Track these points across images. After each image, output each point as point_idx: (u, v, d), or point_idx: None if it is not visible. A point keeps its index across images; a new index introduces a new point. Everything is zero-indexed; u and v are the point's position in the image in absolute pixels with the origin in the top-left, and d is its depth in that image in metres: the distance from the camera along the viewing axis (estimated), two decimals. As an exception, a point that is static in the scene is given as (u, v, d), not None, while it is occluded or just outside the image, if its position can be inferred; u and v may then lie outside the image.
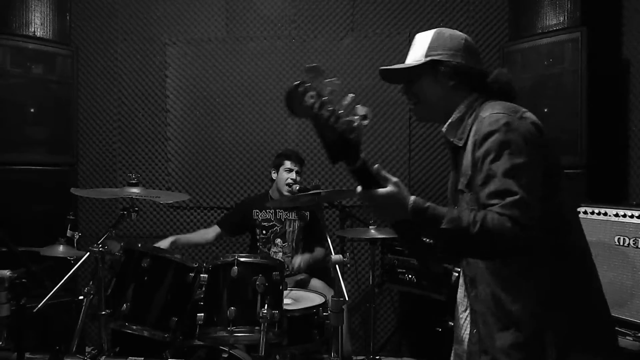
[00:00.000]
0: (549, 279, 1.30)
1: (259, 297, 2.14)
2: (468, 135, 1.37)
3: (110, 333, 2.24)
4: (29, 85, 3.20)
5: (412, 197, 1.22)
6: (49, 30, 3.31)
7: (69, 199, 3.16)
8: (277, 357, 2.39)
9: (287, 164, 3.11)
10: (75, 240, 2.78)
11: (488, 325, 1.40)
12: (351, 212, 3.37)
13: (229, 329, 2.09)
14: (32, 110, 3.23)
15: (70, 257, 2.62)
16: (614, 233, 2.33)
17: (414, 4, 3.63)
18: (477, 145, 1.29)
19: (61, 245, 2.64)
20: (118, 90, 3.81)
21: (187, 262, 2.38)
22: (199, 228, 3.74)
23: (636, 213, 2.27)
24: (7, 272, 1.67)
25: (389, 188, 1.20)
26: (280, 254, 3.12)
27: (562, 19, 2.89)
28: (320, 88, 1.05)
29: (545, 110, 2.90)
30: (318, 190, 2.39)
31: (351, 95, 1.10)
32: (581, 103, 2.76)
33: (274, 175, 3.18)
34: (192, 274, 2.34)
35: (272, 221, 3.18)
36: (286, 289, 2.52)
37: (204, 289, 2.28)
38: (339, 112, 1.09)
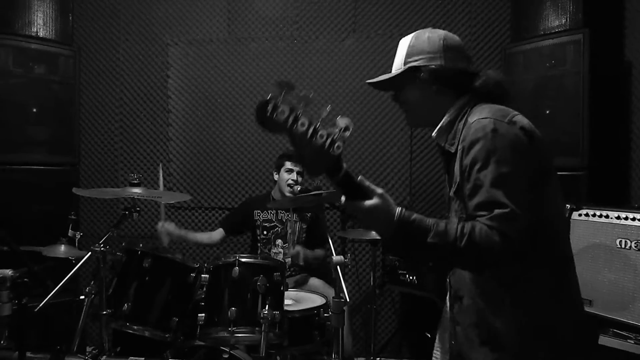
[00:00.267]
0: (531, 293, 1.28)
1: (259, 298, 2.14)
2: (459, 141, 1.33)
3: (111, 333, 2.24)
4: (31, 86, 3.20)
5: (399, 209, 1.19)
6: (52, 31, 3.31)
7: (70, 199, 3.17)
8: (278, 357, 2.39)
9: (288, 164, 3.11)
10: (76, 240, 2.78)
11: (469, 339, 1.37)
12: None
13: (229, 329, 2.09)
14: (34, 110, 3.23)
15: (72, 257, 2.62)
16: (616, 235, 2.32)
17: (416, 5, 3.63)
18: (465, 152, 1.26)
19: (62, 245, 2.64)
20: (120, 91, 3.81)
21: (188, 262, 2.38)
22: (200, 228, 3.75)
23: (638, 216, 2.26)
24: (9, 272, 1.68)
25: (374, 200, 1.17)
26: (281, 254, 3.12)
27: (564, 20, 2.89)
28: (292, 103, 1.01)
29: (547, 112, 2.89)
30: (319, 192, 2.39)
31: (329, 107, 1.07)
32: (583, 105, 2.75)
33: (275, 177, 3.18)
34: (193, 275, 2.34)
35: (274, 222, 3.18)
36: (287, 290, 2.52)
37: (205, 289, 2.28)
38: (316, 125, 1.05)
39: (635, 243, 2.26)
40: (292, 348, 2.36)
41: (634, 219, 2.27)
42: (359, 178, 1.18)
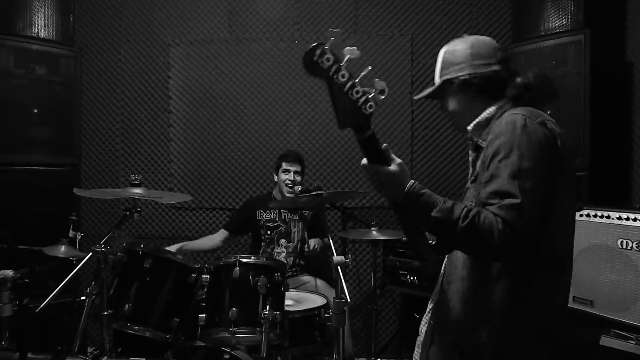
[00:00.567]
0: (518, 291, 1.29)
1: (260, 298, 2.14)
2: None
3: (112, 333, 2.24)
4: (32, 86, 3.21)
5: (411, 181, 1.22)
6: (53, 32, 3.32)
7: (71, 200, 3.17)
8: (279, 358, 2.39)
9: (284, 165, 3.12)
10: (77, 240, 2.78)
11: (449, 319, 1.41)
12: (353, 213, 3.37)
13: (230, 330, 2.09)
14: (35, 111, 3.24)
15: (73, 257, 2.62)
16: (617, 236, 2.32)
17: (417, 5, 3.63)
18: (490, 142, 1.28)
19: (63, 246, 2.64)
20: (121, 91, 3.82)
21: (189, 262, 2.38)
22: (201, 229, 3.75)
23: (639, 216, 2.26)
24: (10, 272, 1.68)
25: (392, 167, 1.21)
26: (284, 254, 3.13)
27: (565, 21, 2.88)
28: (338, 53, 1.06)
29: (548, 112, 2.88)
30: (320, 192, 2.39)
31: (369, 68, 1.12)
32: (584, 105, 2.75)
33: (275, 178, 3.19)
34: (194, 275, 2.34)
35: (277, 221, 3.18)
36: (288, 290, 2.52)
37: (205, 289, 2.28)
38: (355, 80, 1.10)
39: (636, 243, 2.25)
40: (293, 348, 2.36)
41: (635, 220, 2.27)
42: (384, 145, 1.21)
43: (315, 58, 1.07)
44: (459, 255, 1.42)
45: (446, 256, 1.52)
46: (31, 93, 3.21)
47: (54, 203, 3.24)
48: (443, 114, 1.55)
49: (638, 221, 2.26)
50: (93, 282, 2.20)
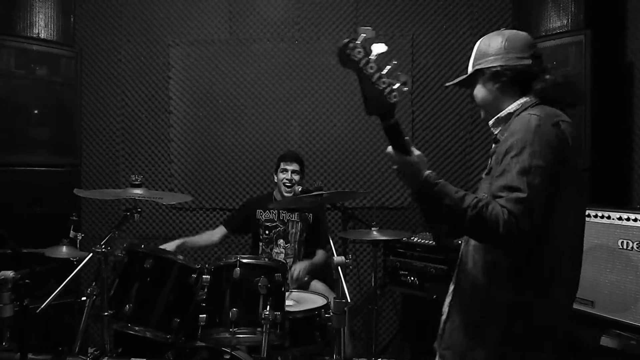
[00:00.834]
0: (520, 288, 1.36)
1: (261, 299, 2.14)
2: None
3: (112, 334, 2.24)
4: (32, 87, 3.21)
5: (428, 172, 1.32)
6: (53, 32, 3.32)
7: (72, 200, 3.17)
8: (279, 358, 2.40)
9: (282, 164, 3.13)
10: (78, 241, 2.78)
11: (464, 302, 1.50)
12: (353, 213, 3.37)
13: (231, 330, 2.09)
14: (35, 111, 3.24)
15: (73, 258, 2.62)
16: (618, 236, 2.32)
17: (417, 6, 3.63)
18: (505, 139, 1.36)
19: (64, 246, 2.64)
20: (121, 92, 3.82)
21: (190, 263, 2.38)
22: (201, 229, 3.75)
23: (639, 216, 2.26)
24: (10, 273, 1.68)
25: (413, 157, 1.31)
26: (282, 254, 3.13)
27: (565, 21, 2.88)
28: (368, 48, 1.19)
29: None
30: (320, 192, 2.39)
31: (395, 62, 1.23)
32: (585, 106, 2.74)
33: (275, 179, 3.20)
34: (194, 275, 2.34)
35: (275, 222, 3.19)
36: (288, 291, 2.52)
37: (206, 290, 2.28)
38: (382, 72, 1.22)
39: (637, 244, 2.25)
40: (294, 349, 2.36)
41: (635, 220, 2.27)
42: (407, 137, 1.33)
43: (347, 51, 1.20)
44: (469, 249, 1.49)
45: (462, 243, 1.59)
46: (32, 94, 3.21)
47: (54, 204, 3.24)
48: (473, 103, 1.63)
49: (638, 221, 2.26)
50: (94, 283, 2.21)
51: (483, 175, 1.52)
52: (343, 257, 2.06)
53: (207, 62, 3.74)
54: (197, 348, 2.35)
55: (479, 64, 1.53)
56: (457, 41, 3.57)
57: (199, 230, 3.75)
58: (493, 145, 1.54)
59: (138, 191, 2.32)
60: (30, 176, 3.20)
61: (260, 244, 3.17)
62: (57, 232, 2.73)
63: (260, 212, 3.19)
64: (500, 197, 1.26)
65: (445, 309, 1.60)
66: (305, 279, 3.08)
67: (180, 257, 2.41)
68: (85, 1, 3.76)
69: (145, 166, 3.82)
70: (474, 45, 1.59)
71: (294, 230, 3.19)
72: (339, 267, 2.03)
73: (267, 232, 3.17)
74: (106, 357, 2.13)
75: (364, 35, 1.21)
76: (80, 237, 2.80)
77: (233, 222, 3.29)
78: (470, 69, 1.58)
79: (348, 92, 3.67)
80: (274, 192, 3.25)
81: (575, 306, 2.40)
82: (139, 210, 2.32)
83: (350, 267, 3.08)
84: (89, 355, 2.12)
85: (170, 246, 2.85)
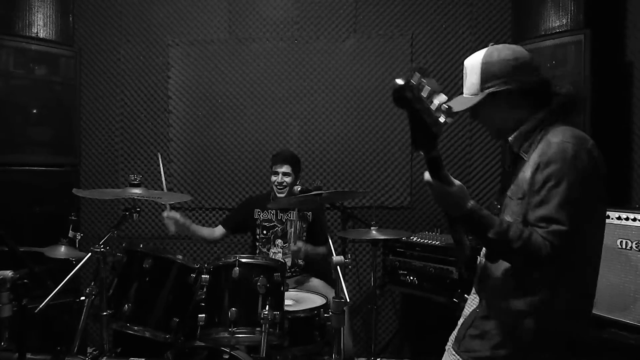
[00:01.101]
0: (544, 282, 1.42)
1: (260, 298, 2.15)
2: (537, 154, 1.42)
3: (111, 334, 2.25)
4: (32, 87, 3.20)
5: (473, 202, 1.34)
6: (52, 32, 3.32)
7: (71, 200, 3.17)
8: (278, 358, 2.40)
9: (273, 167, 3.12)
10: (77, 241, 2.78)
11: (492, 309, 1.51)
12: (352, 213, 3.37)
13: (230, 330, 2.09)
14: (34, 111, 3.24)
15: (72, 257, 2.62)
16: (617, 236, 2.32)
17: (417, 5, 3.63)
18: (541, 167, 1.38)
19: (63, 246, 2.64)
20: (121, 92, 3.82)
21: (189, 263, 2.39)
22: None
23: (639, 216, 2.26)
24: (9, 273, 1.67)
25: (453, 188, 1.31)
26: (280, 254, 3.13)
27: (565, 21, 2.88)
28: (419, 86, 1.18)
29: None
30: (320, 191, 2.39)
31: (445, 97, 1.21)
32: (584, 105, 2.75)
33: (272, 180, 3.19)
34: (193, 275, 2.35)
35: (273, 221, 3.18)
36: (287, 290, 2.52)
37: (205, 289, 2.28)
38: (430, 106, 1.21)
39: (636, 244, 2.25)
40: (293, 348, 2.36)
41: (634, 220, 2.27)
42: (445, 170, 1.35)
43: (400, 93, 1.17)
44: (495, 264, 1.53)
45: (480, 258, 1.63)
46: (31, 93, 3.20)
47: (53, 203, 3.24)
48: (480, 124, 1.61)
49: (637, 221, 2.26)
50: (92, 283, 2.21)
51: (511, 195, 1.50)
52: (342, 257, 2.06)
53: (206, 62, 3.74)
54: (196, 348, 2.35)
55: (490, 86, 1.48)
56: (456, 41, 3.56)
57: (198, 230, 3.75)
58: (511, 161, 1.56)
59: (137, 191, 2.32)
60: (29, 176, 3.20)
61: (257, 244, 3.17)
62: (56, 232, 2.73)
63: (259, 212, 3.19)
64: (540, 227, 1.33)
65: (468, 310, 1.62)
66: (301, 254, 3.02)
67: (179, 256, 2.41)
68: (85, 1, 3.76)
69: (145, 166, 3.82)
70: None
71: (292, 229, 3.19)
72: (338, 267, 2.03)
73: (264, 232, 3.17)
74: (105, 357, 2.14)
75: (419, 73, 1.20)
76: (79, 237, 2.80)
77: (231, 221, 3.28)
78: (476, 91, 1.51)
79: (347, 91, 3.67)
80: (272, 192, 3.25)
81: (574, 306, 2.42)
82: (138, 210, 2.32)
83: (350, 266, 3.08)
84: (88, 355, 2.12)
85: (175, 215, 2.88)
